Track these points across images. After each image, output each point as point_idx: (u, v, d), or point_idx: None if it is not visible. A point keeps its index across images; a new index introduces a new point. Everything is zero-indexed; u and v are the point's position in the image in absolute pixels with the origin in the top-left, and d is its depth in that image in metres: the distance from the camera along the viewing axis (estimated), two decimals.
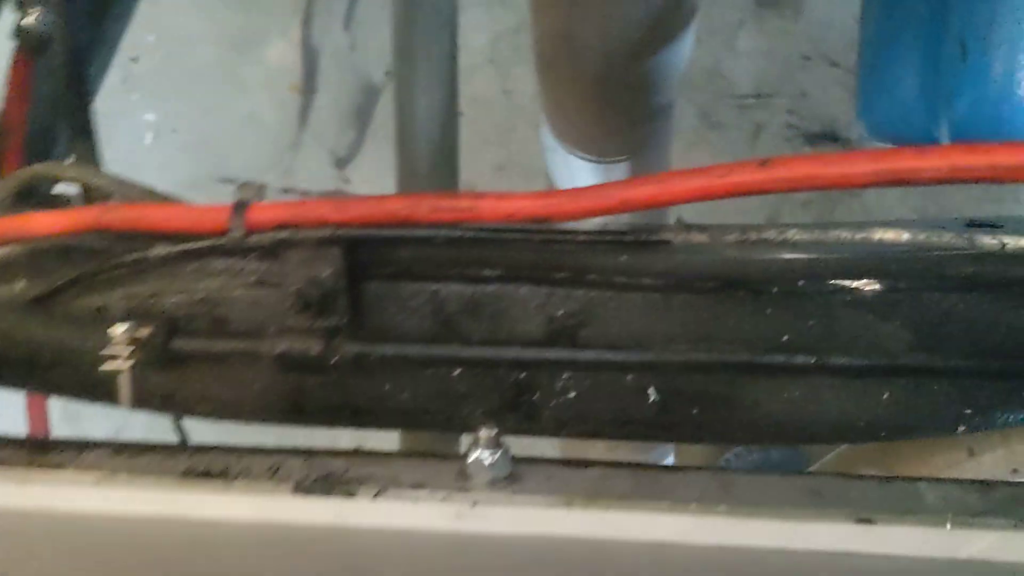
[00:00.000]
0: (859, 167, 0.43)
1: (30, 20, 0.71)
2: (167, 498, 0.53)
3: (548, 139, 0.75)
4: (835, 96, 1.62)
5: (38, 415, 0.71)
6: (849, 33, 1.61)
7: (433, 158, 1.06)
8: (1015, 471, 0.75)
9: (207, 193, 1.81)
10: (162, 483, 0.54)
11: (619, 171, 0.75)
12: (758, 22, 1.62)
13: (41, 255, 0.64)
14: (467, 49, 1.57)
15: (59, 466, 0.55)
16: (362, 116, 1.73)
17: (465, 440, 0.57)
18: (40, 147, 0.81)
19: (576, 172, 0.78)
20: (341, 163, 1.76)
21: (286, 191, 1.77)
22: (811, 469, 0.86)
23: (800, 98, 1.63)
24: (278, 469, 0.55)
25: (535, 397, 0.59)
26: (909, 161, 0.41)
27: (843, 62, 1.61)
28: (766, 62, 1.63)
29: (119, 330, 0.56)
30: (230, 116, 1.76)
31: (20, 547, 0.51)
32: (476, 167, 1.72)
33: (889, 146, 0.64)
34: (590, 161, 0.74)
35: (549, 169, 0.80)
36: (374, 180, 1.76)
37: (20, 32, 0.72)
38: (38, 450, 0.59)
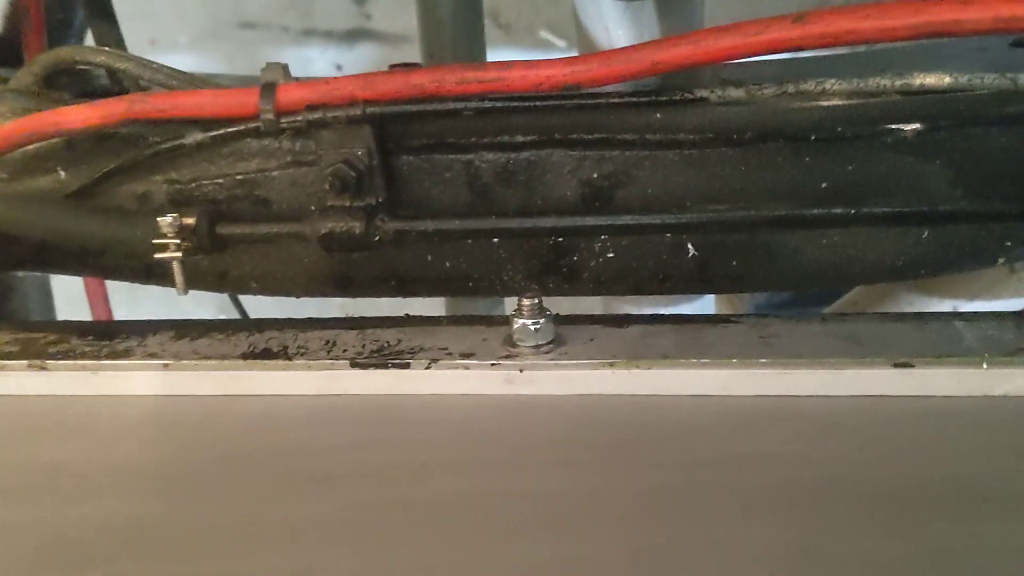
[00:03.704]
0: (898, 20, 0.41)
1: None
2: (231, 378, 0.56)
3: None
4: None
5: (98, 299, 0.74)
6: None
7: None
8: None
9: (228, 40, 1.78)
10: (225, 365, 0.57)
11: (650, 9, 0.72)
12: None
13: (77, 144, 0.64)
14: None
15: (127, 353, 0.58)
16: None
17: (510, 305, 0.58)
18: (58, 26, 0.80)
19: (606, 13, 0.75)
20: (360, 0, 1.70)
21: (307, 32, 1.72)
22: (849, 294, 0.87)
23: None
24: (334, 343, 0.58)
25: (574, 259, 0.59)
26: (951, 12, 0.39)
27: None
28: None
29: (166, 221, 0.57)
30: None
31: (93, 431, 0.54)
32: None
33: None
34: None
35: (577, 11, 0.77)
36: (395, 15, 1.70)
37: None
38: (104, 336, 0.62)
